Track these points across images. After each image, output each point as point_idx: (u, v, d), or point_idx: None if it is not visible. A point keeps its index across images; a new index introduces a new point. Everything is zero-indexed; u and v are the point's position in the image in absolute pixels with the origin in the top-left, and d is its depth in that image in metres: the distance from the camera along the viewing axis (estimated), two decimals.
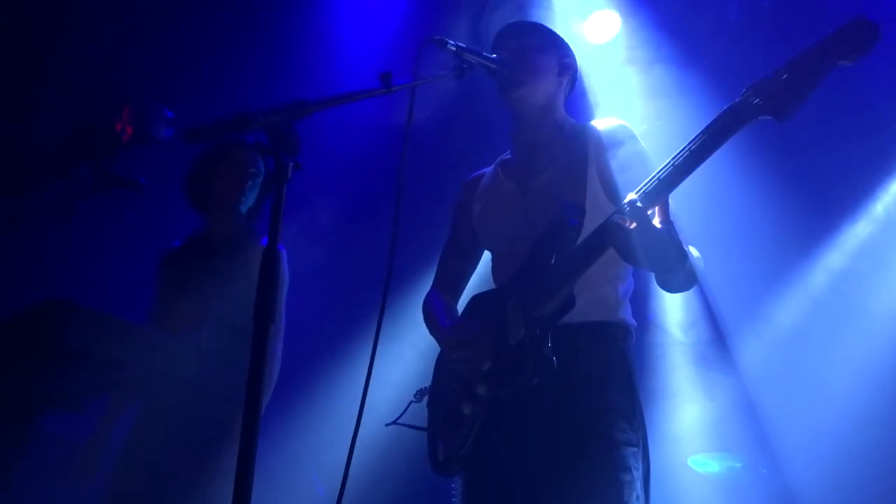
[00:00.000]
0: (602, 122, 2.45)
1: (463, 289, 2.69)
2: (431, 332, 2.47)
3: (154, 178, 3.41)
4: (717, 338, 5.23)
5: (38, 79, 3.95)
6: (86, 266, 4.02)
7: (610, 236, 1.92)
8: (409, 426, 2.46)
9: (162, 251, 3.53)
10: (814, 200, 4.91)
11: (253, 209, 3.52)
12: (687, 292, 2.28)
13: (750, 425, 5.01)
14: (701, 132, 1.85)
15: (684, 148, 1.86)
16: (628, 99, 5.03)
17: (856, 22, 1.66)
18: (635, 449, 2.12)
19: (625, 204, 1.89)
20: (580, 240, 2.06)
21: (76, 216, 3.21)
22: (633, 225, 1.86)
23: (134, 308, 3.24)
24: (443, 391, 2.38)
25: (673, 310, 5.33)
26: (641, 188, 1.89)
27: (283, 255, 3.25)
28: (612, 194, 2.27)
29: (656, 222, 1.87)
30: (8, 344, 2.44)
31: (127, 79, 4.52)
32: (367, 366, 1.95)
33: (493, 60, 2.32)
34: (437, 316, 2.47)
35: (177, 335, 3.11)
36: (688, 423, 5.14)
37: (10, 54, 3.78)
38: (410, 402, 2.49)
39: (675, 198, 1.89)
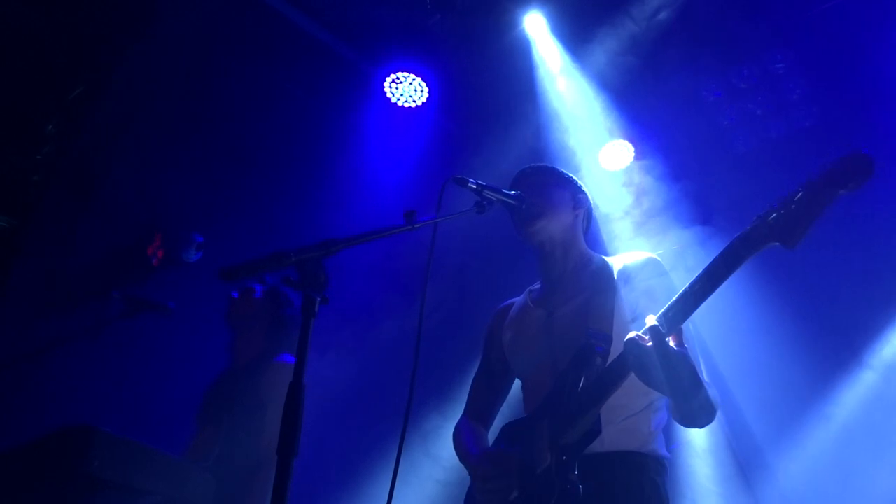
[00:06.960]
0: (631, 256, 2.51)
1: (494, 416, 2.69)
2: (461, 461, 2.47)
3: (183, 302, 3.52)
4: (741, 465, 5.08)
5: (80, 208, 4.12)
6: (114, 389, 4.06)
7: (629, 354, 1.94)
8: None
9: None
10: (838, 328, 4.86)
11: (269, 332, 3.51)
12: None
13: None
14: (714, 259, 1.91)
15: (699, 275, 1.91)
16: (641, 224, 5.15)
17: (852, 155, 1.75)
18: None
19: (644, 324, 1.93)
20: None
21: (105, 339, 3.30)
22: (650, 343, 1.89)
23: (160, 432, 3.25)
24: None
25: (698, 437, 5.20)
26: (661, 312, 1.94)
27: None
28: (640, 326, 2.31)
29: (672, 345, 1.90)
30: (32, 469, 2.45)
31: (159, 205, 4.72)
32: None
33: (511, 196, 2.43)
34: (468, 444, 2.47)
35: (196, 463, 3.10)
36: None
37: (55, 183, 3.97)
38: None
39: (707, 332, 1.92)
